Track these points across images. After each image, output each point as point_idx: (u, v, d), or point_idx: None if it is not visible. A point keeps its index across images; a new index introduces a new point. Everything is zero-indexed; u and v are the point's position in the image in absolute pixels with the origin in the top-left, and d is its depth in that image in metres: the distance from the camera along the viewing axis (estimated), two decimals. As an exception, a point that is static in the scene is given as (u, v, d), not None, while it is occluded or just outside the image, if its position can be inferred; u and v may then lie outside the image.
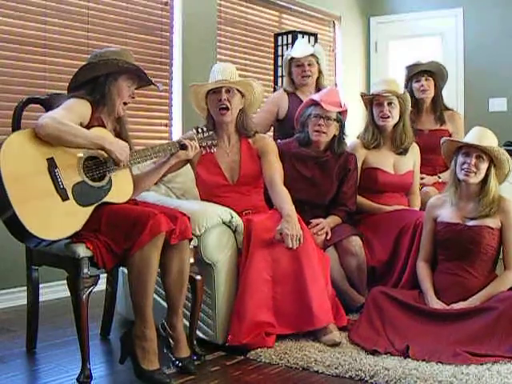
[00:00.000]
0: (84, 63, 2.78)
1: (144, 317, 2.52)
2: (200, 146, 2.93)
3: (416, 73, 4.19)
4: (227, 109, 3.15)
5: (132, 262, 2.50)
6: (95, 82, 2.71)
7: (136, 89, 2.84)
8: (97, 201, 2.57)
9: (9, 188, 2.37)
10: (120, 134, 2.80)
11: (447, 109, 4.30)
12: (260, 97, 3.35)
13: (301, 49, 4.14)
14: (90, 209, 2.54)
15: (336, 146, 3.54)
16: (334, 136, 3.52)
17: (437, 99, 4.22)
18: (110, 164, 2.62)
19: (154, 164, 2.97)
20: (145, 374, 2.49)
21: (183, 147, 2.87)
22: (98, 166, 2.61)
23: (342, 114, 3.56)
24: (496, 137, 3.11)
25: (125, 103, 2.78)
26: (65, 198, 2.48)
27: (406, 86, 4.23)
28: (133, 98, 2.81)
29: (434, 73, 4.21)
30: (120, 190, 2.66)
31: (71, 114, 2.58)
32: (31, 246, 2.75)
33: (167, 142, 2.92)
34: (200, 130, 2.98)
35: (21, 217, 2.36)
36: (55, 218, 2.46)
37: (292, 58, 4.10)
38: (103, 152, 2.59)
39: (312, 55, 4.09)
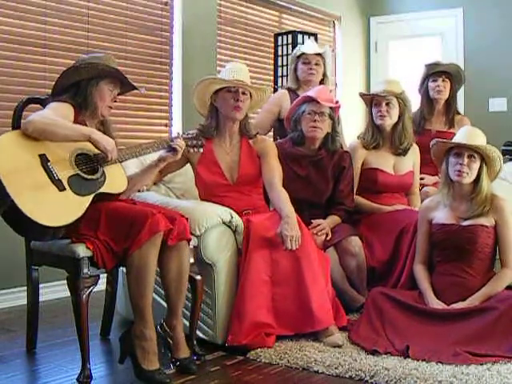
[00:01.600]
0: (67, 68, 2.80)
1: (143, 316, 2.52)
2: (186, 145, 2.92)
3: (434, 72, 4.19)
4: (241, 108, 3.17)
5: (131, 261, 2.50)
6: (77, 86, 2.74)
7: (119, 94, 2.85)
8: (94, 191, 2.58)
9: (5, 181, 2.38)
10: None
11: (458, 113, 4.31)
12: (264, 101, 3.38)
13: (312, 46, 4.17)
14: (89, 198, 2.55)
15: (330, 143, 3.55)
16: (328, 133, 3.53)
17: (451, 102, 4.23)
18: (100, 159, 2.63)
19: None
20: (145, 374, 2.49)
21: (172, 150, 2.86)
22: (89, 161, 2.62)
23: (335, 110, 3.57)
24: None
25: (109, 107, 2.80)
26: (61, 188, 2.49)
27: (422, 84, 4.24)
28: (115, 101, 2.83)
29: (452, 75, 4.21)
30: (114, 181, 2.67)
31: (57, 112, 2.61)
32: (33, 239, 2.75)
33: (156, 140, 2.92)
34: (185, 133, 2.99)
35: (20, 205, 2.36)
36: (54, 206, 2.46)
37: (301, 55, 4.11)
38: (92, 147, 2.61)
39: (320, 56, 4.11)
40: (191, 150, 2.99)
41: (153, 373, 2.49)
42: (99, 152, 2.63)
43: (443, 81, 4.18)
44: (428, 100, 4.21)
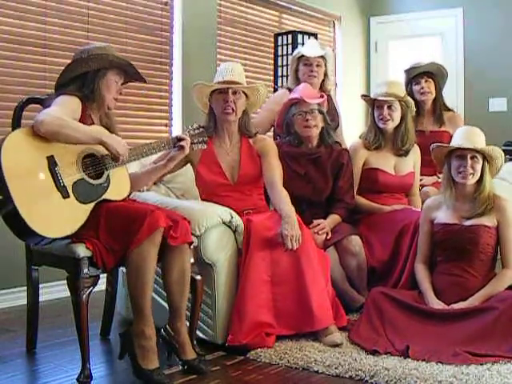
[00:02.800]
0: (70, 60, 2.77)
1: (142, 314, 2.51)
2: (192, 143, 2.91)
3: (415, 75, 4.19)
4: (232, 110, 3.16)
5: (130, 258, 2.50)
6: (84, 78, 2.70)
7: (123, 84, 2.82)
8: (96, 198, 2.57)
9: (10, 184, 2.37)
10: (109, 129, 2.78)
11: (448, 109, 4.30)
12: (262, 99, 3.38)
13: (313, 48, 4.14)
14: (90, 206, 2.55)
15: (326, 136, 3.56)
16: (322, 128, 3.53)
17: (437, 100, 4.23)
18: (107, 161, 2.63)
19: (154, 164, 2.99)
20: (144, 374, 2.48)
21: (178, 147, 2.85)
22: (96, 163, 2.61)
23: (322, 104, 3.57)
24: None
25: (115, 99, 2.78)
26: (65, 195, 2.49)
27: (406, 89, 4.23)
28: (120, 93, 2.81)
29: (434, 74, 4.20)
30: (118, 187, 2.66)
31: (66, 109, 2.58)
32: (31, 244, 2.75)
33: (161, 139, 2.89)
34: (191, 127, 2.95)
35: (22, 214, 2.36)
36: (56, 216, 2.46)
37: (301, 56, 4.11)
38: (100, 149, 2.60)
39: (322, 57, 4.09)
40: (195, 148, 2.95)
41: (152, 372, 2.48)
42: (107, 153, 2.61)
43: (426, 81, 4.17)
44: (415, 103, 4.20)
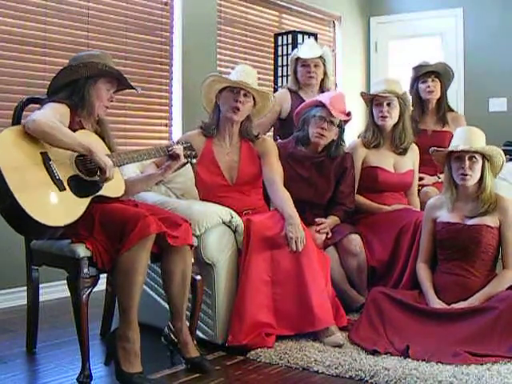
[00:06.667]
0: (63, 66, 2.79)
1: (128, 318, 2.49)
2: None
3: (423, 73, 4.20)
4: (239, 110, 3.16)
5: (120, 261, 2.48)
6: (74, 85, 2.72)
7: (115, 92, 2.84)
8: (93, 193, 2.58)
9: (7, 177, 2.38)
10: (102, 135, 2.79)
11: (451, 110, 4.31)
12: (268, 109, 3.37)
13: (308, 50, 4.12)
14: (87, 200, 2.55)
15: (333, 150, 3.54)
16: (333, 140, 3.52)
17: (441, 100, 4.24)
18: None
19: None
20: (123, 376, 2.45)
21: (173, 157, 2.87)
22: (89, 163, 2.62)
23: (345, 121, 3.55)
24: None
25: (106, 107, 2.79)
26: (62, 188, 2.50)
27: (412, 86, 4.24)
28: (111, 101, 2.81)
29: (441, 74, 4.22)
30: (113, 185, 2.67)
31: (55, 113, 2.60)
32: (31, 237, 2.75)
33: (155, 147, 2.90)
34: (178, 142, 3.00)
35: (21, 202, 2.35)
36: (54, 206, 2.46)
37: (298, 58, 4.10)
38: None
39: (320, 57, 4.08)
40: (184, 160, 2.97)
41: (131, 375, 2.44)
42: None
43: (433, 81, 4.19)
44: (419, 101, 4.21)
